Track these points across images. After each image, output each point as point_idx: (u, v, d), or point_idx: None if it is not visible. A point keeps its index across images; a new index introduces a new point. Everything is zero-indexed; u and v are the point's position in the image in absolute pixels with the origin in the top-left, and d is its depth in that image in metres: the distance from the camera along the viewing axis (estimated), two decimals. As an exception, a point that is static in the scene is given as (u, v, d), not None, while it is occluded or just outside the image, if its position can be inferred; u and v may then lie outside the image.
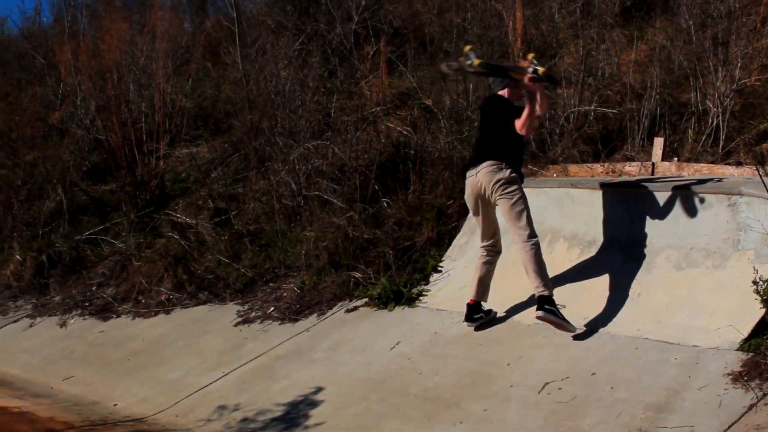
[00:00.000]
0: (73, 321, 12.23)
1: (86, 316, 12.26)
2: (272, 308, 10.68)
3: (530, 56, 8.26)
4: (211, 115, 16.26)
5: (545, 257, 8.10)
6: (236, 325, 10.63)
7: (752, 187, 7.64)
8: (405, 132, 12.09)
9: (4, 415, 9.09)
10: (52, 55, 18.77)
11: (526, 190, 8.27)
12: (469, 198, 8.51)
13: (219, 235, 12.45)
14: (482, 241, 8.64)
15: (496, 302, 8.70)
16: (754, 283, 7.00)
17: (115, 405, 9.21)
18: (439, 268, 10.17)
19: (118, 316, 12.04)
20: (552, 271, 8.23)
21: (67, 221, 14.75)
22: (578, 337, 7.76)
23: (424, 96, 12.99)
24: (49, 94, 18.44)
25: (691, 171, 9.43)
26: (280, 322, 10.31)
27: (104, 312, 12.23)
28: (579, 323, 7.90)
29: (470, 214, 8.98)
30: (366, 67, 14.52)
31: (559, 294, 8.06)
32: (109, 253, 13.59)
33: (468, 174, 8.44)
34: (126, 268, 13.04)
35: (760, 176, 7.12)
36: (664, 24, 12.24)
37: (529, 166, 10.54)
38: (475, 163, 8.39)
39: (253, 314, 10.68)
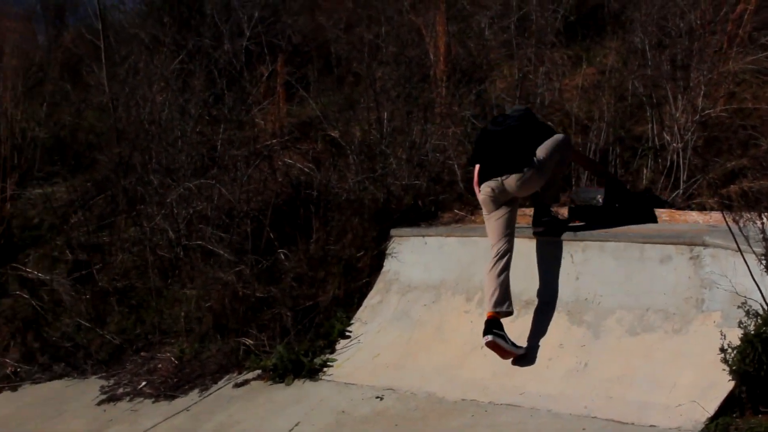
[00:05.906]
0: None
1: None
2: (144, 383, 10.56)
3: None
4: (71, 147, 16.06)
5: (471, 323, 8.09)
6: (99, 403, 10.47)
7: (718, 237, 7.69)
8: (306, 169, 12.06)
9: None
10: None
11: (450, 240, 8.31)
12: None
13: (79, 293, 12.27)
14: None
15: (415, 374, 8.67)
16: (722, 350, 6.97)
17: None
18: (347, 333, 10.15)
19: (-47, 393, 11.78)
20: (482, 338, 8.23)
21: None
22: (513, 416, 7.72)
23: (330, 126, 12.98)
24: None
25: (648, 217, 9.53)
26: (153, 399, 10.19)
27: (-65, 389, 11.97)
28: (515, 399, 7.87)
29: (384, 269, 8.95)
30: (260, 92, 14.48)
31: (493, 362, 8.06)
32: (-57, 316, 13.31)
33: None
34: (-37, 334, 12.79)
35: (727, 223, 7.17)
36: (616, 44, 12.35)
37: (455, 211, 10.60)
38: None
39: (121, 390, 10.54)
